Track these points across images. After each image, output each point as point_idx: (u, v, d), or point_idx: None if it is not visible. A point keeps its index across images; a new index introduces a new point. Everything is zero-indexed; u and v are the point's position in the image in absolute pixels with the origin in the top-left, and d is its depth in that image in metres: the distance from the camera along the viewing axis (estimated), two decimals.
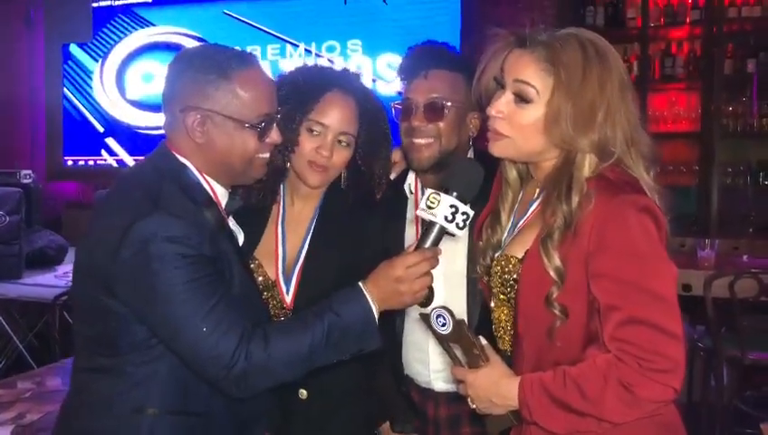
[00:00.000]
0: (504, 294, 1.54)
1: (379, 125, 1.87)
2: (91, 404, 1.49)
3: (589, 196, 1.37)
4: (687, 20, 4.86)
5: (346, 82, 1.84)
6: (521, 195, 1.60)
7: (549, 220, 1.40)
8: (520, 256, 1.48)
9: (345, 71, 1.91)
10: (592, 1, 5.09)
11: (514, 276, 1.48)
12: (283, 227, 1.88)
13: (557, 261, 1.37)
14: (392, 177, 2.05)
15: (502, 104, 1.45)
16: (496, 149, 1.49)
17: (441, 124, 1.91)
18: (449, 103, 1.90)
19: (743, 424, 3.54)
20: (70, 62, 6.55)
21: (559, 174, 1.43)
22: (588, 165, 1.40)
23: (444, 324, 1.47)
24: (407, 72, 1.97)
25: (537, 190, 1.53)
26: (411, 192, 2.05)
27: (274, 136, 1.57)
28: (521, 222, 1.54)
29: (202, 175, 1.54)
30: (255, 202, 1.85)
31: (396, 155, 2.06)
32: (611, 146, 1.39)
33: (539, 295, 1.40)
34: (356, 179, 1.89)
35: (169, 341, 1.43)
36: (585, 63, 1.38)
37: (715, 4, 4.70)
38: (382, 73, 5.55)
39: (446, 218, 1.48)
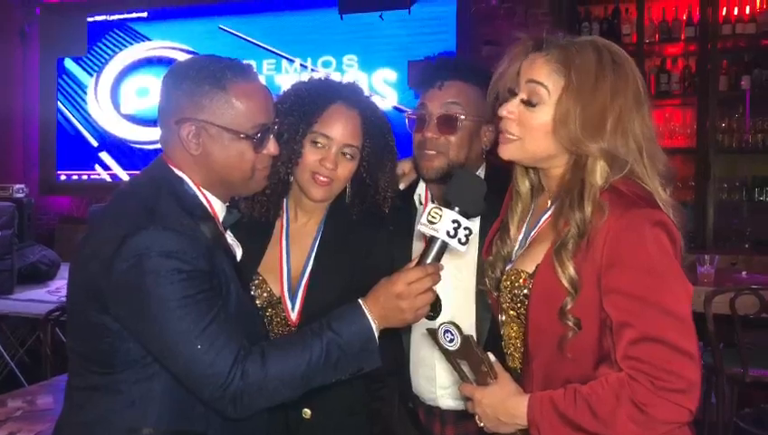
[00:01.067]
0: (513, 309, 1.51)
1: (383, 138, 1.85)
2: (85, 424, 1.45)
3: (602, 206, 1.34)
4: (682, 36, 4.90)
5: (351, 95, 1.83)
6: (532, 207, 1.58)
7: (562, 230, 1.38)
8: (530, 270, 1.45)
9: (350, 84, 1.89)
10: (588, 17, 5.13)
11: (524, 292, 1.46)
12: (287, 243, 1.85)
13: (571, 271, 1.34)
14: (402, 186, 2.03)
15: (513, 105, 1.44)
16: (505, 151, 1.47)
17: (452, 137, 1.88)
18: (462, 116, 1.87)
19: None
20: (64, 76, 6.55)
21: (570, 181, 1.41)
22: (599, 172, 1.38)
23: (451, 340, 1.44)
24: (422, 82, 1.95)
25: (549, 202, 1.51)
26: (421, 203, 2.02)
27: (271, 147, 1.54)
28: (532, 233, 1.51)
29: (199, 189, 1.51)
30: (258, 217, 1.82)
31: (406, 166, 2.04)
32: (623, 155, 1.37)
33: (550, 310, 1.37)
34: (361, 194, 1.86)
35: (163, 359, 1.39)
36: (598, 69, 1.36)
37: (709, 21, 4.74)
38: (378, 89, 5.56)
39: (448, 234, 1.45)
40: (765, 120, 4.79)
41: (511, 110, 1.43)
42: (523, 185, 1.57)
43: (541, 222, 1.50)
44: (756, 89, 4.75)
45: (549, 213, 1.48)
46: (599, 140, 1.36)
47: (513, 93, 1.46)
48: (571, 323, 1.35)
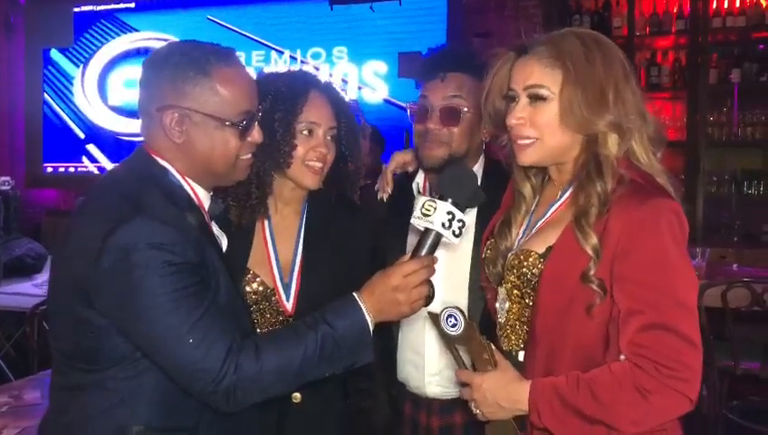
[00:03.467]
0: (518, 289, 1.51)
1: (352, 115, 1.89)
2: (71, 424, 1.41)
3: (624, 177, 1.37)
4: (673, 29, 4.91)
5: (318, 81, 1.86)
6: (535, 201, 1.59)
7: (582, 203, 1.39)
8: (540, 251, 1.46)
9: (308, 71, 1.94)
10: (579, 10, 5.13)
11: (534, 271, 1.46)
12: (271, 235, 1.86)
13: (594, 238, 1.35)
14: (410, 169, 2.05)
15: (519, 111, 1.45)
16: (525, 156, 1.47)
17: (455, 129, 1.89)
18: (465, 109, 1.88)
19: (731, 434, 3.54)
20: (50, 68, 6.47)
21: (586, 158, 1.44)
22: (611, 143, 1.41)
23: (454, 325, 1.43)
24: (424, 73, 1.95)
25: (560, 191, 1.52)
26: (419, 191, 2.03)
27: (256, 135, 1.51)
28: (540, 222, 1.52)
29: (184, 178, 1.48)
30: (247, 223, 1.82)
31: (407, 155, 2.06)
32: (627, 123, 1.40)
33: (564, 289, 1.38)
34: (334, 175, 1.88)
35: (153, 354, 1.36)
36: (585, 50, 1.40)
37: (699, 14, 4.74)
38: (368, 81, 5.53)
39: (443, 225, 1.44)
40: (754, 114, 4.81)
41: (519, 115, 1.44)
42: (525, 188, 1.59)
43: (550, 211, 1.51)
44: (745, 82, 4.77)
45: (562, 200, 1.49)
46: (605, 114, 1.39)
47: (511, 99, 1.47)
48: (595, 286, 1.35)
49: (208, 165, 1.48)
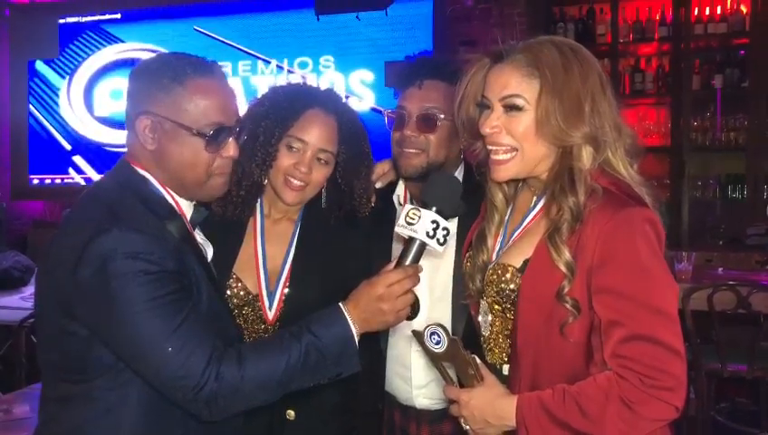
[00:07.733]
0: (499, 304, 1.51)
1: (359, 145, 1.86)
2: (61, 434, 1.42)
3: (595, 190, 1.36)
4: (656, 36, 4.97)
5: (328, 101, 1.83)
6: (510, 209, 1.59)
7: (555, 217, 1.38)
8: (517, 265, 1.45)
9: (328, 90, 1.90)
10: (563, 17, 5.18)
11: (511, 286, 1.46)
12: (262, 241, 1.84)
13: (567, 254, 1.34)
14: (379, 185, 2.04)
15: (493, 119, 1.43)
16: (503, 172, 1.46)
17: (432, 136, 1.89)
18: (442, 116, 1.88)
19: None
20: (36, 79, 6.43)
21: (559, 170, 1.42)
22: (586, 156, 1.40)
23: (438, 342, 1.43)
24: (402, 81, 1.95)
25: (534, 198, 1.51)
26: (400, 203, 2.02)
27: (231, 150, 1.49)
28: (516, 233, 1.51)
29: (164, 187, 1.49)
30: (231, 216, 1.81)
31: (385, 166, 2.05)
32: (603, 136, 1.40)
33: (542, 302, 1.38)
34: (337, 200, 1.86)
35: (134, 363, 1.36)
36: (564, 60, 1.39)
37: (682, 21, 4.80)
38: (355, 89, 5.54)
39: (427, 234, 1.44)
40: (737, 119, 4.86)
41: (493, 124, 1.43)
42: (497, 197, 1.58)
43: (527, 219, 1.50)
44: (727, 88, 4.83)
45: (537, 209, 1.49)
46: (581, 126, 1.38)
47: (485, 106, 1.46)
48: (569, 306, 1.34)
49: (180, 175, 1.48)
